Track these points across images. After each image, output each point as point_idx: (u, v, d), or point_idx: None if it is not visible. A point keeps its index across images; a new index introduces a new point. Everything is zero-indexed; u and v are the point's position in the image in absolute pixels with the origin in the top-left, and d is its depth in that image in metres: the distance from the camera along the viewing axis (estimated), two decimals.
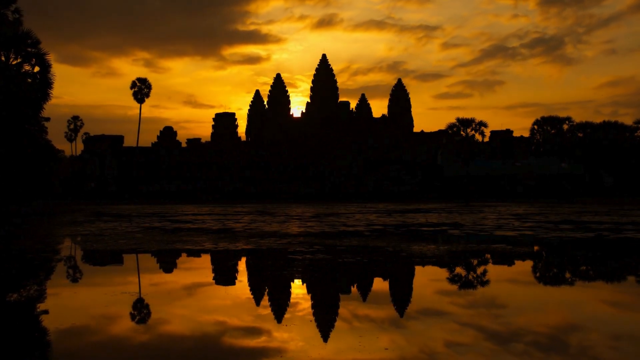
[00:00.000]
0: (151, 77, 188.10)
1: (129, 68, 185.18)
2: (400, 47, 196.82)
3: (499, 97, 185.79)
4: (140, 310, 5.07)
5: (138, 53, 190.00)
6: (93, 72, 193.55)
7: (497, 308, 4.96)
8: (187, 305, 5.15)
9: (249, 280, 6.86)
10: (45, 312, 4.94)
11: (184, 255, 9.43)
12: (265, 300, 5.44)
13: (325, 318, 4.58)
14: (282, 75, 71.38)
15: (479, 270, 7.60)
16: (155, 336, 4.05)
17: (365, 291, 5.99)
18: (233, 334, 4.06)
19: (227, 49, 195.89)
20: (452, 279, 6.73)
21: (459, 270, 7.50)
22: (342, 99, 70.31)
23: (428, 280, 6.76)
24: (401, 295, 5.74)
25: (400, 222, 18.07)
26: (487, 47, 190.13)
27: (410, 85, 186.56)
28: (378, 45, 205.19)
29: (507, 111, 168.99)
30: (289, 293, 5.86)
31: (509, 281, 6.62)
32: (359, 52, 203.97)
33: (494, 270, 7.54)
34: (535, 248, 10.40)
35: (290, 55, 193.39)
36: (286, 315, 4.68)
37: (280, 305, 5.12)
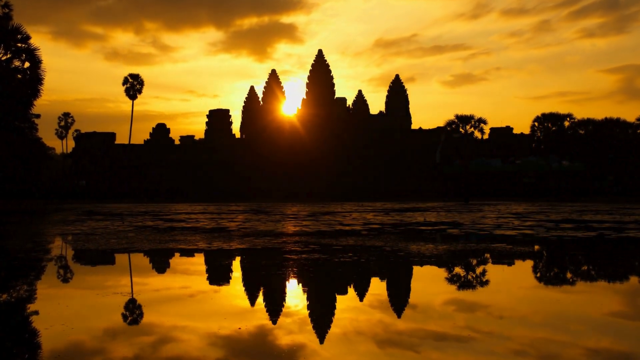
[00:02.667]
0: (154, 60, 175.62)
1: (129, 48, 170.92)
2: (452, 15, 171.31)
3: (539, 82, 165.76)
4: (137, 321, 4.85)
5: (143, 22, 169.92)
6: (89, 55, 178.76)
7: (537, 325, 4.32)
8: (187, 315, 4.92)
9: (249, 283, 6.66)
10: (36, 312, 4.72)
11: (177, 255, 9.23)
12: (274, 310, 4.99)
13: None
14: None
15: (487, 273, 7.43)
16: None
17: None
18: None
19: (246, 18, 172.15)
20: (462, 283, 6.56)
21: (468, 273, 7.33)
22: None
23: (436, 284, 6.58)
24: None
25: (398, 221, 17.93)
26: (553, 16, 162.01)
27: (444, 67, 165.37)
28: (425, 14, 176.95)
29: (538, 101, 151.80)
30: (293, 298, 5.66)
31: (529, 288, 6.32)
32: (400, 24, 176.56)
33: (501, 273, 7.38)
34: (536, 247, 10.27)
35: (318, 26, 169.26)
36: (301, 330, 4.20)
37: (290, 316, 4.75)
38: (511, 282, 6.60)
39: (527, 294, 5.76)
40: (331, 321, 4.50)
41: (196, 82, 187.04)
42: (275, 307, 5.05)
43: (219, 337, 4.01)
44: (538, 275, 7.24)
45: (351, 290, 5.98)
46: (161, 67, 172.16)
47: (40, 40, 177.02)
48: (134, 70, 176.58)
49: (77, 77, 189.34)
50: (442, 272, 7.14)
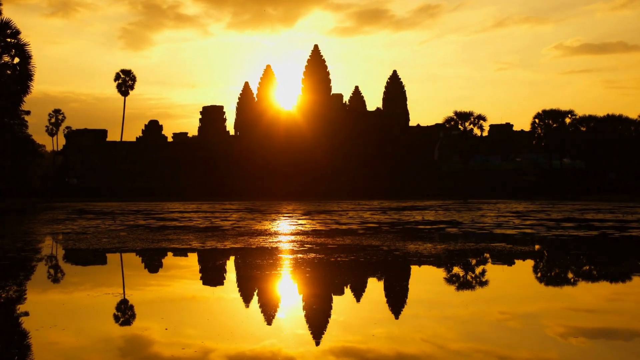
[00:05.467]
0: (157, 40, 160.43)
1: (135, 22, 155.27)
2: None
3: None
4: (129, 323, 4.65)
5: None
6: (87, 36, 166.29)
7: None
8: (180, 316, 4.73)
9: (243, 285, 6.46)
10: (26, 313, 4.52)
11: (170, 254, 9.04)
12: (281, 318, 4.61)
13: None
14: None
15: (491, 275, 7.27)
16: None
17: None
18: None
19: None
20: (471, 287, 6.40)
21: (469, 274, 7.17)
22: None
23: (444, 288, 6.40)
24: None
25: (396, 219, 17.78)
26: None
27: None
28: None
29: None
30: (295, 301, 5.47)
31: (552, 298, 5.99)
32: None
33: (506, 275, 7.23)
34: (537, 247, 10.13)
35: None
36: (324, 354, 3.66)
37: (298, 325, 4.46)
38: (522, 286, 6.41)
39: (554, 304, 5.25)
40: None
41: (197, 73, 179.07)
42: (276, 313, 4.85)
43: (209, 345, 3.81)
44: (540, 275, 7.09)
45: (355, 294, 5.79)
46: (162, 55, 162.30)
47: (35, 18, 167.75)
48: (133, 58, 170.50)
49: (70, 66, 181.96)
50: (444, 274, 6.97)
